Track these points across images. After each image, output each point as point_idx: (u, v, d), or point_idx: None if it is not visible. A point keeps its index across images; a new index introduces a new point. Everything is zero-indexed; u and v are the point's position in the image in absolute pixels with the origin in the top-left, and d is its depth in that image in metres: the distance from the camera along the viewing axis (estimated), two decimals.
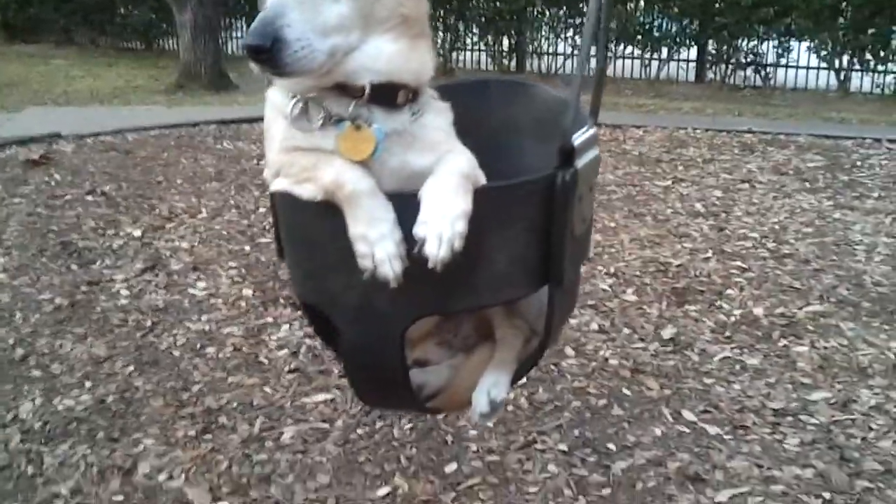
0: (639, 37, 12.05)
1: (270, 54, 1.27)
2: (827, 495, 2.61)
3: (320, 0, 1.34)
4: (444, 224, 1.34)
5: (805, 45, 11.32)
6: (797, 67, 11.60)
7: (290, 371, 3.34)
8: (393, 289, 1.37)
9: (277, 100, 1.50)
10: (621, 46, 12.15)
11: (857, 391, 3.22)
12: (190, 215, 5.28)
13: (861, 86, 11.14)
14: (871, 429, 2.97)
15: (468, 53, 13.53)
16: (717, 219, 5.35)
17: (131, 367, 3.36)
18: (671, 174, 6.39)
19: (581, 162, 1.49)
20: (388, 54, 1.42)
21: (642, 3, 11.99)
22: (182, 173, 6.33)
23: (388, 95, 1.44)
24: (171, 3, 11.31)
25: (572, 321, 3.77)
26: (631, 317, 3.89)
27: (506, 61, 13.34)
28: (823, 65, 11.29)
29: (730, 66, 11.78)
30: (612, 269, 4.42)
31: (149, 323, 3.76)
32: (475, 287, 1.47)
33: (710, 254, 4.67)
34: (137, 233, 4.91)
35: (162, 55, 15.09)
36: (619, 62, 12.34)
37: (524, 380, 2.98)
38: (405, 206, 1.37)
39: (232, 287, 4.17)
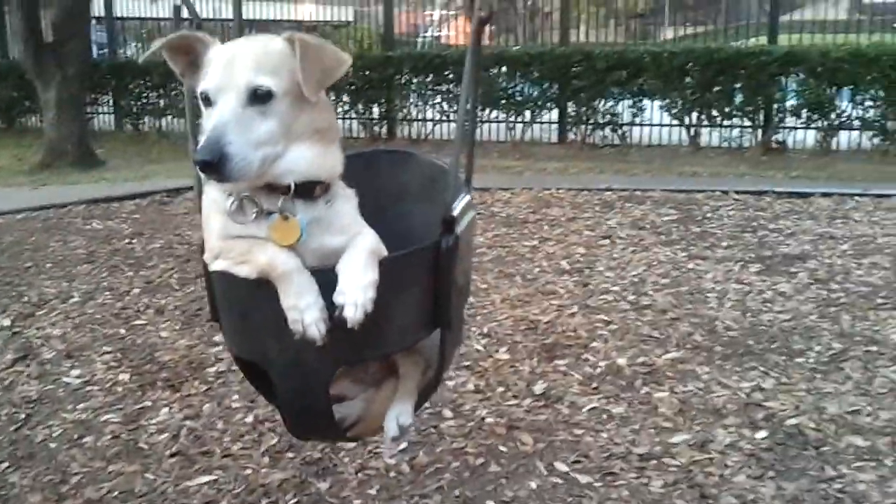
0: (503, 101, 12.52)
1: (217, 167, 1.58)
2: None
3: (252, 119, 1.65)
4: (357, 293, 1.66)
5: (657, 104, 12.02)
6: (651, 125, 12.30)
7: (172, 455, 3.35)
8: (319, 346, 1.67)
9: (215, 195, 1.80)
10: (486, 111, 12.61)
11: (714, 431, 3.48)
12: (61, 300, 5.20)
13: (710, 140, 11.90)
14: (726, 466, 3.21)
15: (340, 122, 13.71)
16: (582, 275, 5.64)
17: (6, 464, 3.30)
18: (537, 234, 6.70)
19: (460, 227, 1.84)
20: (308, 158, 1.74)
21: (504, 68, 12.48)
22: (51, 257, 6.21)
23: (308, 190, 1.76)
24: (35, 80, 11.10)
25: (449, 383, 3.91)
26: (504, 375, 4.07)
27: (377, 128, 13.60)
28: (675, 122, 12.00)
29: (589, 127, 12.36)
30: (485, 329, 4.61)
31: (22, 416, 3.70)
32: (383, 338, 1.81)
33: (575, 309, 4.93)
34: (6, 322, 4.80)
35: (24, 134, 14.68)
36: (486, 126, 12.80)
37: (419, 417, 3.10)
38: (325, 280, 1.69)
39: (108, 372, 4.14)
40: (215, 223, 1.80)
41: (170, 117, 14.55)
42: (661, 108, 12.04)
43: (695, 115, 11.85)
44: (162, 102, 14.51)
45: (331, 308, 1.68)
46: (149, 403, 3.81)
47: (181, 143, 13.40)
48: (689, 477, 3.15)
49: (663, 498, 3.03)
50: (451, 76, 12.58)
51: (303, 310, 1.66)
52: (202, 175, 1.66)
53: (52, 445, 3.44)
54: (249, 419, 3.64)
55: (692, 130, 11.96)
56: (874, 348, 4.26)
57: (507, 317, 4.81)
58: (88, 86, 12.97)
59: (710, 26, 15.73)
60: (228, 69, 1.69)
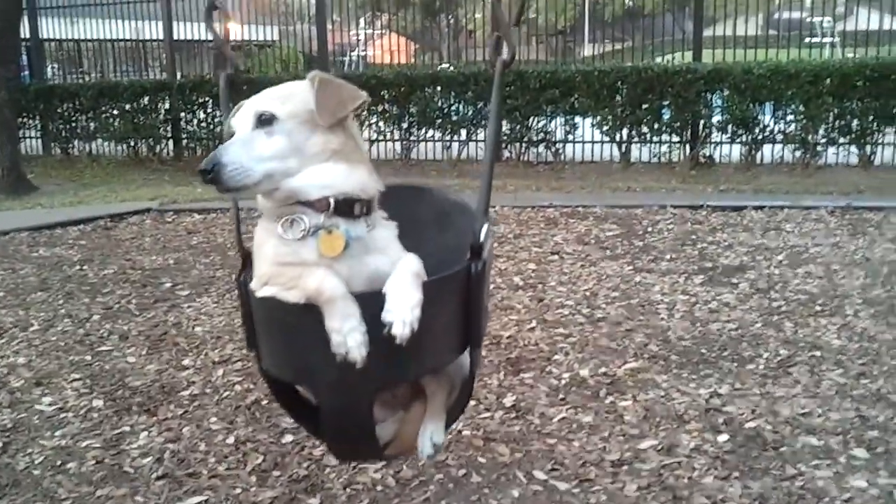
0: (438, 120, 12.72)
1: (213, 174, 1.81)
2: None
3: (257, 138, 1.89)
4: (405, 311, 1.79)
5: (589, 121, 12.37)
6: (583, 142, 12.65)
7: (159, 477, 3.38)
8: (362, 367, 1.78)
9: (267, 225, 1.97)
10: (422, 130, 12.80)
11: (678, 436, 3.67)
12: (20, 329, 5.15)
13: (640, 156, 12.30)
14: (694, 468, 3.40)
15: None
16: (535, 290, 5.82)
17: None
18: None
19: (485, 253, 2.00)
20: (329, 175, 1.93)
21: (439, 88, 12.69)
22: (2, 286, 6.13)
23: (348, 207, 1.94)
24: None
25: None
26: (475, 389, 4.20)
27: None
28: (606, 139, 12.37)
29: (524, 144, 12.63)
30: None
31: (0, 444, 3.68)
32: (423, 357, 1.93)
33: (534, 323, 5.10)
34: None
35: None
36: (422, 145, 12.99)
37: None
38: (370, 302, 1.81)
39: (80, 399, 4.14)
40: (267, 250, 1.95)
41: (100, 140, 14.33)
42: (592, 125, 12.39)
43: (625, 131, 12.23)
44: (92, 126, 14.29)
45: (377, 328, 1.79)
46: (127, 428, 3.83)
47: (113, 167, 13.27)
48: (660, 480, 3.33)
49: (639, 500, 3.19)
50: (385, 96, 12.73)
51: (346, 333, 1.78)
52: (207, 187, 1.86)
53: (36, 472, 3.44)
54: (231, 440, 3.69)
55: (623, 147, 12.35)
56: (818, 353, 4.53)
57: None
58: (18, 109, 12.73)
59: (629, 43, 16.21)
60: (247, 105, 1.97)
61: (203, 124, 13.87)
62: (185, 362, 4.60)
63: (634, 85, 11.71)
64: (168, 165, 13.50)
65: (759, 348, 4.65)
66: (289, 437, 3.71)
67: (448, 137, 12.91)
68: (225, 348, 4.79)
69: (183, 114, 13.86)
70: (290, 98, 1.95)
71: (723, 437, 3.65)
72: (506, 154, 12.86)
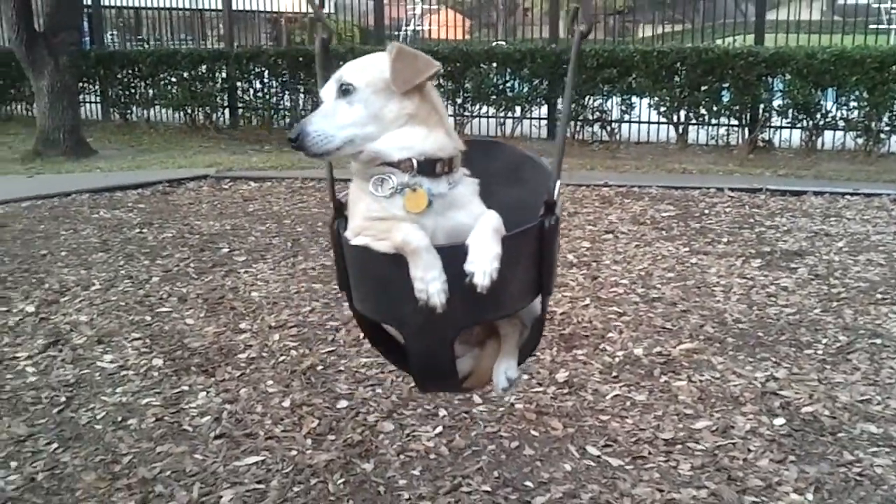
0: (493, 97, 12.66)
1: (298, 142, 2.00)
2: None
3: (339, 107, 2.05)
4: (486, 262, 1.94)
5: (646, 101, 12.21)
6: (640, 122, 12.51)
7: (217, 437, 3.45)
8: (445, 310, 1.94)
9: (360, 184, 2.13)
10: (476, 106, 12.76)
11: (734, 418, 3.64)
12: (82, 288, 5.27)
13: (697, 138, 12.12)
14: (749, 450, 3.37)
15: None
16: (590, 268, 5.79)
17: (55, 444, 3.39)
18: None
19: (558, 209, 2.17)
20: (408, 137, 2.08)
21: (495, 64, 12.62)
22: (65, 245, 6.28)
23: (430, 167, 2.09)
24: (27, 69, 11.08)
25: None
26: (527, 363, 4.21)
27: None
28: (663, 120, 12.21)
29: (579, 123, 12.53)
30: None
31: (63, 399, 3.79)
32: (500, 303, 2.07)
33: (588, 301, 5.08)
34: (31, 308, 4.87)
35: (10, 122, 14.61)
36: (476, 121, 12.94)
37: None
38: (453, 253, 1.97)
39: (140, 358, 4.23)
40: (361, 206, 2.12)
41: (158, 107, 14.53)
42: (650, 105, 12.23)
43: (683, 113, 12.05)
44: (151, 92, 14.49)
45: (459, 278, 1.93)
46: (186, 388, 3.90)
47: (170, 134, 13.45)
48: (714, 461, 3.31)
49: (692, 480, 3.18)
50: (441, 71, 12.66)
51: (428, 281, 1.94)
52: (294, 150, 2.04)
53: (98, 427, 3.53)
54: (287, 403, 3.75)
55: (680, 128, 12.17)
56: (878, 341, 4.45)
57: None
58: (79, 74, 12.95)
59: (688, 25, 15.94)
60: (332, 78, 2.12)
61: (259, 94, 13.98)
62: (242, 326, 4.67)
63: (694, 66, 11.50)
64: (224, 134, 13.65)
65: (817, 334, 4.58)
66: (343, 403, 3.76)
67: (503, 114, 12.84)
68: (281, 314, 4.85)
69: (239, 83, 13.98)
70: (368, 69, 2.09)
71: (779, 421, 3.61)
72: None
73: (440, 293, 1.94)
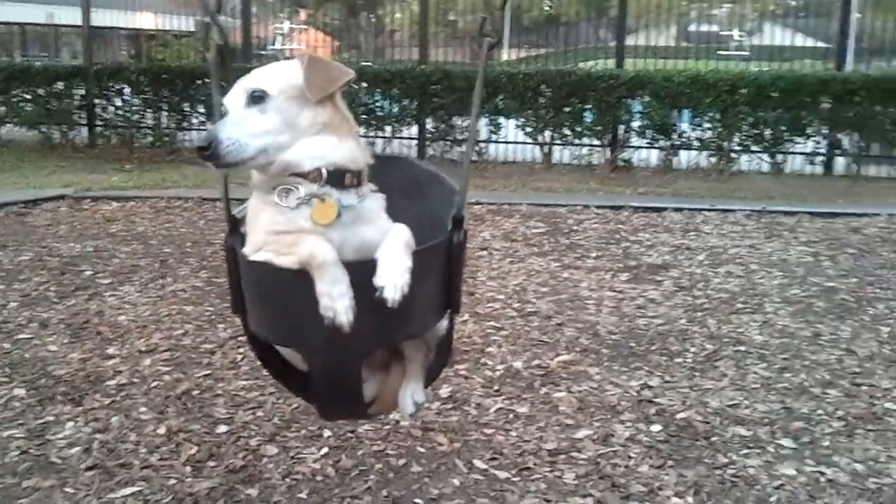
0: (364, 117, 12.65)
1: (210, 151, 1.88)
2: None
3: (250, 115, 1.97)
4: (396, 276, 1.88)
5: (513, 122, 12.48)
6: (507, 143, 12.76)
7: (88, 468, 3.26)
8: (352, 329, 1.85)
9: (262, 196, 2.04)
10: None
11: (613, 426, 3.73)
12: None
13: (561, 158, 12.48)
14: (630, 457, 3.46)
15: (195, 133, 13.50)
16: (467, 284, 5.83)
17: None
18: None
19: (465, 223, 2.14)
20: (320, 147, 2.01)
21: (365, 84, 12.62)
22: None
23: (339, 178, 2.01)
24: None
25: None
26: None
27: None
28: (529, 140, 12.50)
29: (448, 143, 12.66)
30: None
31: None
32: (409, 321, 2.03)
33: (466, 317, 5.11)
34: None
35: None
36: None
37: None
38: (361, 269, 1.89)
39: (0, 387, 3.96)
40: (262, 219, 2.02)
41: (9, 126, 13.78)
42: (516, 126, 12.50)
43: (548, 133, 12.38)
44: (2, 109, 13.71)
45: (368, 294, 1.85)
46: (51, 418, 3.68)
47: (24, 152, 12.78)
48: (597, 469, 3.37)
49: (578, 489, 3.23)
50: None
51: (335, 297, 1.85)
52: (204, 163, 1.92)
53: None
54: (162, 430, 3.59)
55: (545, 148, 12.49)
56: (742, 348, 4.67)
57: None
58: None
59: (550, 49, 16.43)
60: (238, 85, 2.04)
61: (119, 112, 13.47)
62: (110, 351, 4.45)
63: (558, 88, 11.87)
64: (81, 153, 13.03)
65: (685, 343, 4.76)
66: (223, 427, 3.63)
67: (372, 134, 12.84)
68: (151, 338, 4.65)
69: (98, 100, 13.44)
70: (280, 76, 2.02)
71: (656, 427, 3.73)
72: (429, 152, 12.87)
73: (347, 310, 1.86)
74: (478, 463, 3.41)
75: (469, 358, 4.48)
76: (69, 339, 4.60)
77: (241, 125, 1.94)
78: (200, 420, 3.70)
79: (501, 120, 12.50)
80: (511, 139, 12.74)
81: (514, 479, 3.30)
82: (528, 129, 12.33)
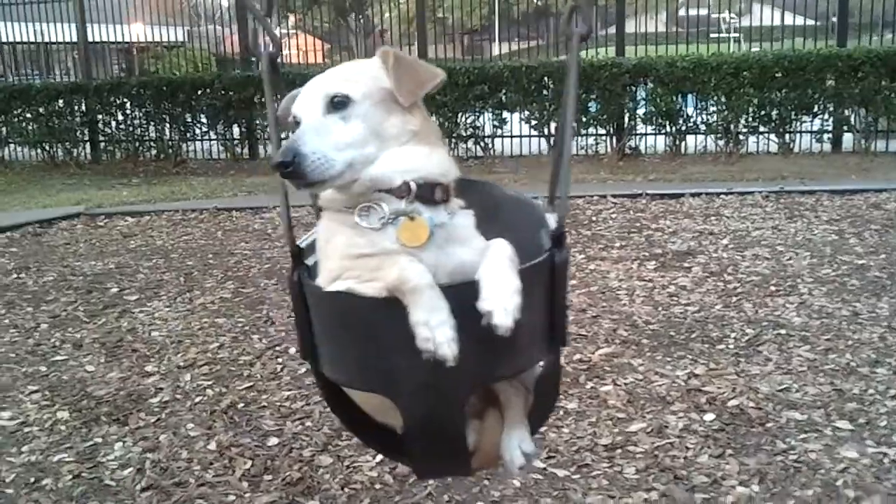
0: None
1: (293, 167, 1.62)
2: None
3: (332, 124, 1.71)
4: (506, 298, 1.58)
5: (517, 116, 12.44)
6: (512, 137, 12.72)
7: (144, 489, 3.22)
8: (453, 365, 1.55)
9: (336, 216, 1.79)
10: None
11: (665, 417, 3.69)
12: None
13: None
14: (687, 448, 3.42)
15: (199, 144, 13.48)
16: None
17: None
18: None
19: (566, 241, 1.83)
20: (411, 158, 1.76)
21: None
22: None
23: (428, 193, 1.76)
24: None
25: None
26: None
27: (238, 149, 13.40)
28: (535, 132, 12.46)
29: (453, 140, 12.62)
30: None
31: None
32: (517, 353, 1.72)
33: None
34: None
35: None
36: None
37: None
38: (459, 295, 1.59)
39: (42, 412, 3.92)
40: (338, 243, 1.77)
41: (12, 146, 13.74)
42: (521, 119, 12.46)
43: (553, 125, 12.34)
44: (3, 130, 13.67)
45: (470, 322, 1.57)
46: (99, 439, 3.64)
47: (29, 172, 12.75)
48: (657, 461, 3.33)
49: (640, 483, 3.19)
50: None
51: (434, 327, 1.56)
52: (287, 181, 1.68)
53: (9, 491, 3.24)
54: (212, 446, 3.55)
55: (551, 140, 12.44)
56: (782, 331, 4.63)
57: None
58: None
59: (541, 41, 16.39)
60: (310, 89, 1.78)
61: (122, 126, 13.44)
62: (148, 368, 4.41)
63: (562, 79, 11.79)
64: (86, 169, 13.02)
65: (724, 329, 4.72)
66: (273, 440, 3.59)
67: None
68: (188, 352, 4.61)
69: (100, 116, 13.40)
70: (363, 77, 1.78)
71: (709, 416, 3.68)
72: None
73: (451, 342, 1.55)
74: (536, 462, 3.36)
75: None
76: (105, 359, 4.56)
77: (324, 136, 1.68)
78: (250, 433, 3.66)
79: (506, 114, 12.46)
80: (517, 133, 12.69)
81: (574, 476, 3.26)
82: (534, 122, 12.29)
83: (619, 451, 3.43)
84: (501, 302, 1.57)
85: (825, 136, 11.97)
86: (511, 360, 1.73)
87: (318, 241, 1.86)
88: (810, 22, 14.74)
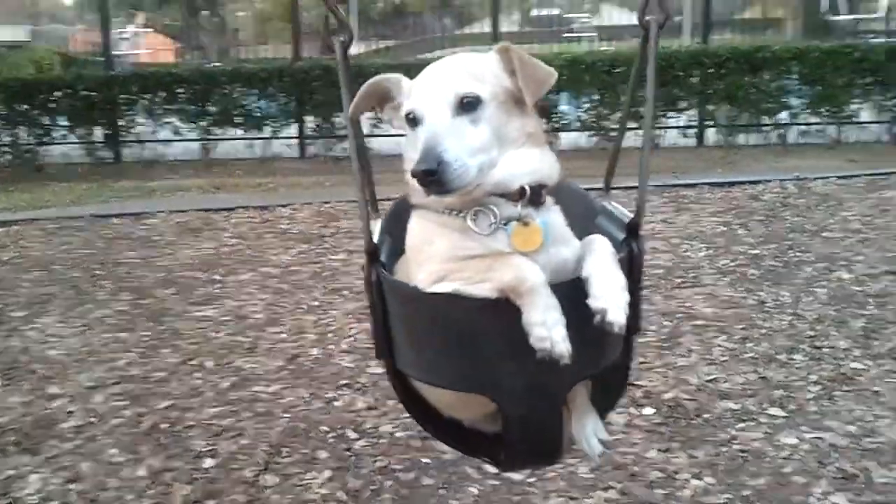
0: (241, 118, 12.22)
1: (437, 175, 1.54)
2: None
3: (464, 127, 1.63)
4: (617, 295, 1.58)
5: None
6: (390, 136, 12.56)
7: None
8: (561, 365, 1.54)
9: (433, 217, 1.73)
10: (223, 129, 12.27)
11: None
12: None
13: None
14: (634, 444, 3.43)
15: (56, 147, 12.67)
16: None
17: None
18: (341, 247, 6.64)
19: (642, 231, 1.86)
20: (527, 162, 1.71)
21: (238, 85, 12.20)
22: None
23: (537, 195, 1.71)
24: None
25: (336, 403, 3.84)
26: (387, 388, 4.01)
27: (100, 152, 12.69)
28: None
29: (333, 141, 12.40)
30: (344, 346, 4.52)
31: None
32: (611, 347, 1.77)
33: None
34: None
35: None
36: (224, 145, 12.46)
37: None
38: (569, 292, 1.59)
39: None
40: (439, 245, 1.71)
41: None
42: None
43: None
44: None
45: (578, 320, 1.57)
46: (11, 471, 3.32)
47: None
48: (608, 459, 3.32)
49: (596, 482, 3.18)
50: (182, 94, 12.10)
51: (551, 327, 1.55)
52: (421, 188, 1.60)
53: None
54: (142, 472, 3.31)
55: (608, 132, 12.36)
56: (698, 322, 4.74)
57: (358, 331, 4.75)
58: None
59: (399, 41, 16.47)
60: (434, 84, 1.69)
61: None
62: (53, 390, 4.08)
63: None
64: None
65: (643, 322, 4.78)
66: (209, 462, 3.38)
67: (251, 135, 12.41)
68: (94, 371, 4.29)
69: None
70: (486, 75, 1.70)
71: (648, 411, 3.72)
72: (311, 150, 12.57)
73: (566, 340, 1.54)
74: (489, 467, 3.29)
75: None
76: (2, 382, 4.18)
77: (461, 140, 1.61)
78: (182, 456, 3.42)
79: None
80: (392, 132, 12.55)
81: (530, 479, 3.21)
82: None
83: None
84: (613, 300, 1.57)
85: (690, 130, 12.44)
86: (606, 354, 1.77)
87: (411, 240, 1.80)
88: None
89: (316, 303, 5.27)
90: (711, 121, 12.37)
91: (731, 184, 8.68)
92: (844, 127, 12.09)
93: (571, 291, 1.60)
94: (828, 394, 3.82)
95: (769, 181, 8.67)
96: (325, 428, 3.65)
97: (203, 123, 12.30)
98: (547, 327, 1.55)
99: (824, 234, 6.49)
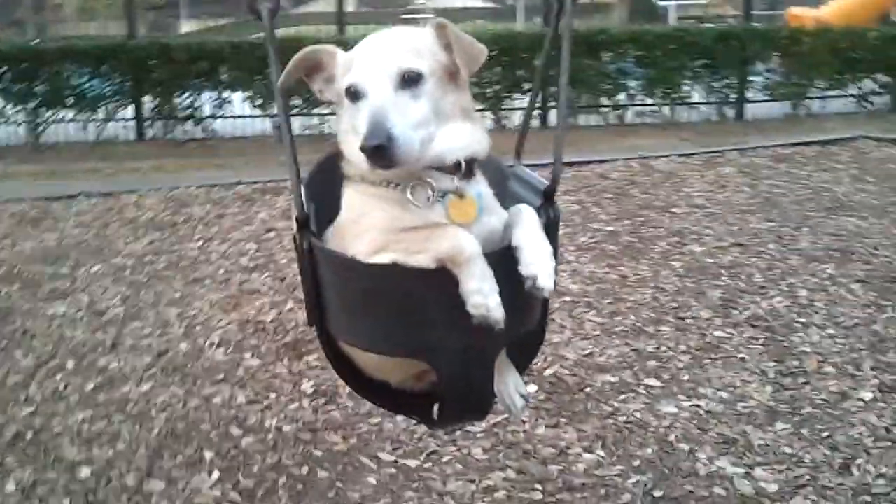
0: (71, 99, 11.50)
1: (386, 151, 1.57)
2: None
3: (406, 102, 1.66)
4: (546, 262, 1.67)
5: (239, 95, 11.91)
6: (235, 117, 12.16)
7: None
8: (492, 329, 1.62)
9: (370, 190, 1.75)
10: (53, 111, 11.52)
11: None
12: None
13: (299, 129, 12.14)
14: (523, 422, 3.47)
15: None
16: (270, 269, 5.52)
17: None
18: (196, 235, 6.36)
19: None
20: (462, 136, 1.75)
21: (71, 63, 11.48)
22: None
23: (470, 168, 1.77)
24: None
25: (216, 399, 3.70)
26: (265, 380, 3.92)
27: None
28: (259, 113, 12.01)
29: (171, 122, 11.87)
30: (214, 339, 4.35)
31: None
32: (532, 310, 1.86)
33: (291, 304, 4.84)
34: None
35: None
36: (54, 128, 11.69)
37: None
38: (500, 260, 1.66)
39: None
40: (377, 217, 1.73)
41: None
42: (244, 100, 11.95)
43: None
44: None
45: (509, 286, 1.64)
46: None
47: None
48: (499, 439, 3.37)
49: (492, 462, 3.22)
50: (6, 74, 11.30)
51: (487, 294, 1.62)
52: (367, 164, 1.62)
53: None
54: (11, 486, 3.09)
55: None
56: (567, 298, 4.83)
57: (227, 322, 4.58)
58: None
59: (231, 19, 16.02)
60: (376, 58, 1.70)
61: None
62: None
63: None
64: None
65: None
66: (86, 471, 3.19)
67: (84, 117, 11.70)
68: None
69: None
70: (425, 52, 1.72)
71: (532, 388, 3.77)
72: (150, 133, 12.00)
73: (499, 306, 1.62)
74: (384, 456, 3.28)
75: (315, 348, 4.22)
76: None
77: (405, 116, 1.64)
78: (54, 466, 3.21)
79: (228, 93, 11.90)
80: (239, 113, 12.14)
81: (427, 464, 3.22)
82: (258, 102, 11.84)
83: (458, 433, 3.41)
84: (543, 267, 1.66)
85: (534, 112, 12.72)
86: (530, 316, 1.86)
87: (346, 211, 1.80)
88: (490, 4, 15.69)
89: (178, 294, 5.04)
90: (555, 103, 12.67)
91: (580, 163, 8.94)
92: (677, 107, 12.72)
93: (503, 259, 1.68)
94: (698, 362, 4.01)
95: (615, 160, 8.98)
96: (207, 426, 3.50)
97: (30, 105, 11.49)
98: (483, 294, 1.62)
99: (673, 210, 6.79)
